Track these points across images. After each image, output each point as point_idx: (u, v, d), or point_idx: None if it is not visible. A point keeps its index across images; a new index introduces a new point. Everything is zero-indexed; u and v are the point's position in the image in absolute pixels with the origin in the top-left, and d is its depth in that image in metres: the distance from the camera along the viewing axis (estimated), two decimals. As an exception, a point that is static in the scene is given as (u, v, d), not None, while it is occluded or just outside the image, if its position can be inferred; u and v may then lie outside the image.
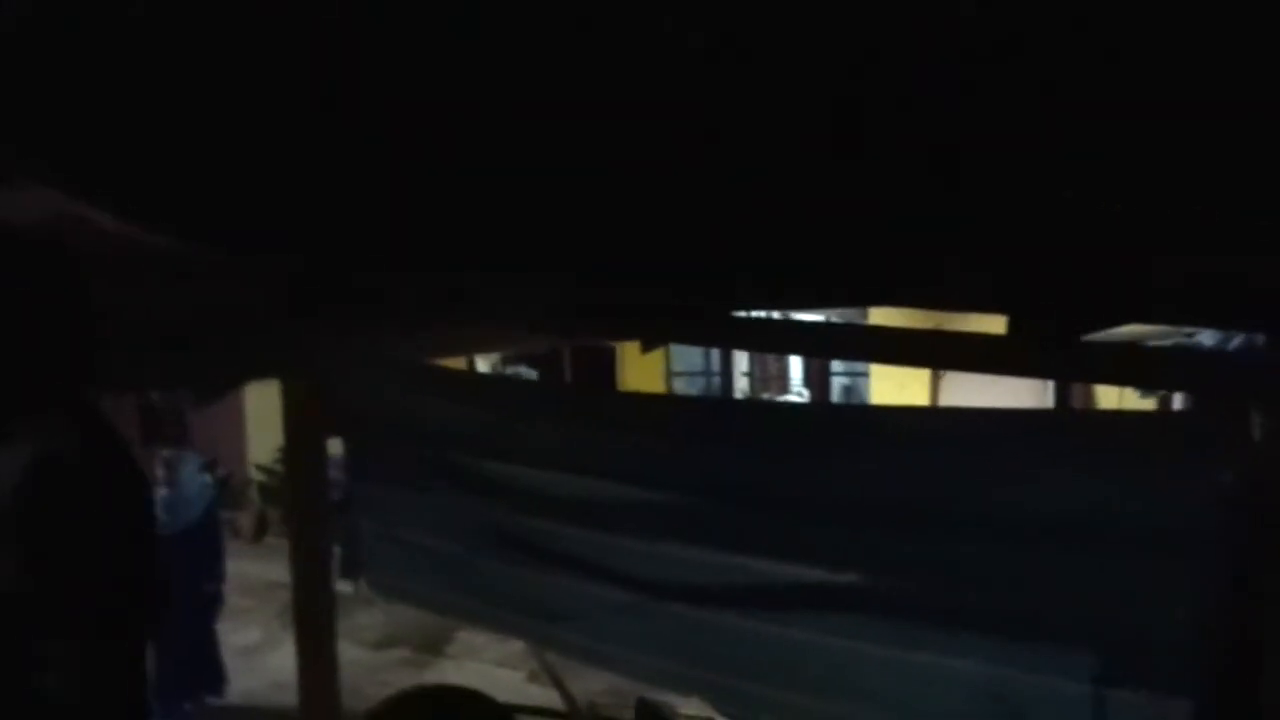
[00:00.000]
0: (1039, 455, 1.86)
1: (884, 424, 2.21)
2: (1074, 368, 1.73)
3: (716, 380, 10.26)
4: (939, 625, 1.97)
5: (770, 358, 11.34)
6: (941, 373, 7.41)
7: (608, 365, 9.30)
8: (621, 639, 2.41)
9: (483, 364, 7.45)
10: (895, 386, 7.08)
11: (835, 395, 10.48)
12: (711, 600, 2.22)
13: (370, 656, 5.30)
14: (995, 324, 1.68)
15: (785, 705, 2.16)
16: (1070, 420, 2.55)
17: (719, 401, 4.96)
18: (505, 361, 8.51)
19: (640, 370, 8.82)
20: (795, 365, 11.65)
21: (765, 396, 11.04)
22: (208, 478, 5.23)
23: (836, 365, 10.44)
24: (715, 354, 10.31)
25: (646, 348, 2.85)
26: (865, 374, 8.94)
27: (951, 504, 1.92)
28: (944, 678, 1.97)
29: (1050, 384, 6.61)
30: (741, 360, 10.95)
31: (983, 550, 1.90)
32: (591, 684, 3.68)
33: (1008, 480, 1.87)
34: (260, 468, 8.72)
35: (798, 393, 11.32)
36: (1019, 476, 1.86)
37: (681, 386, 10.17)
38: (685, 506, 2.25)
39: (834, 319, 6.44)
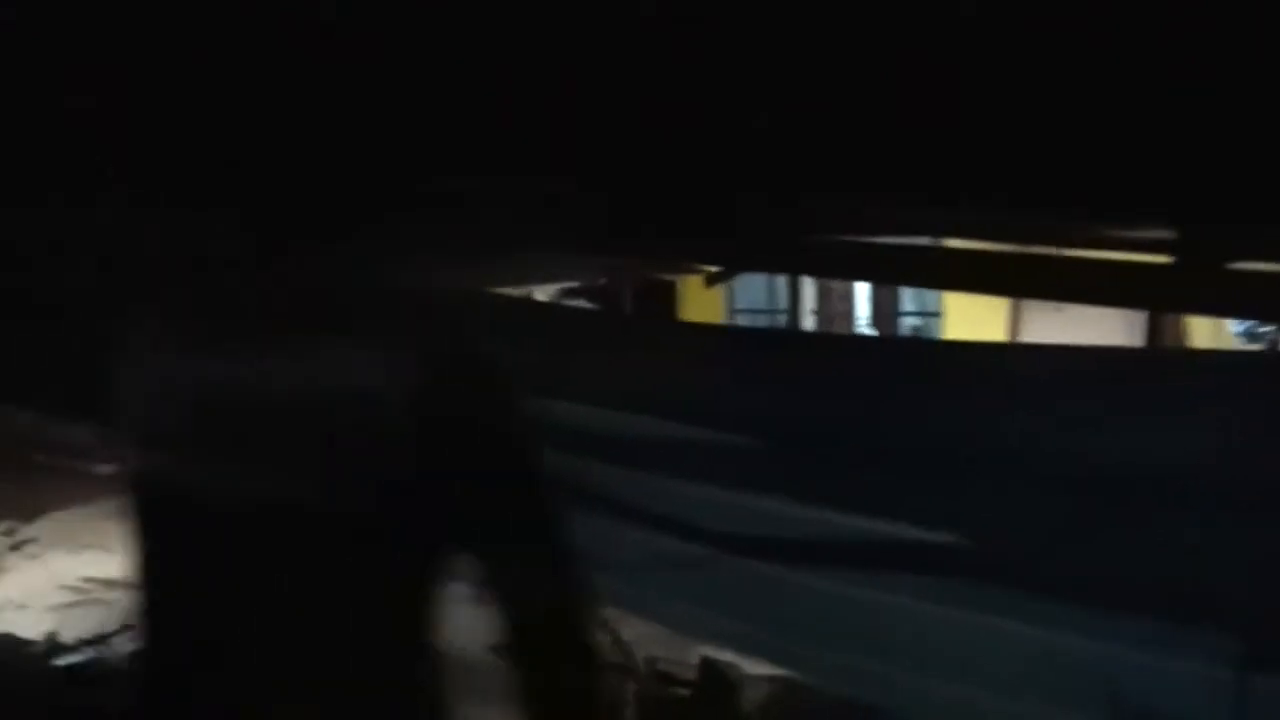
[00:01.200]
0: (1153, 401, 1.63)
1: (978, 361, 1.98)
2: (1241, 299, 1.46)
3: (781, 319, 9.96)
4: (1042, 592, 1.74)
5: (836, 295, 10.96)
6: (1020, 312, 7.02)
7: (668, 300, 9.07)
8: (682, 594, 2.21)
9: (540, 298, 7.29)
10: (970, 328, 6.72)
11: (903, 336, 10.12)
12: (784, 556, 2.01)
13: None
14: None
15: (865, 674, 1.95)
16: (1202, 361, 2.27)
17: (788, 334, 4.73)
18: (563, 295, 8.33)
19: (701, 306, 8.61)
20: (861, 303, 11.27)
21: (830, 336, 10.70)
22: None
23: (906, 303, 10.05)
24: (780, 290, 10.00)
25: (712, 280, 2.62)
26: (937, 314, 8.56)
27: (1053, 454, 1.70)
28: (1047, 652, 1.74)
29: (1140, 325, 6.20)
30: (808, 298, 10.60)
31: (1090, 509, 1.68)
32: (643, 630, 3.53)
33: (1117, 429, 1.64)
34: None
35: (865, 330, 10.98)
36: (1131, 425, 1.63)
37: (744, 324, 9.91)
38: (756, 450, 2.03)
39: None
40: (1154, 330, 6.26)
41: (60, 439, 7.92)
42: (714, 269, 5.66)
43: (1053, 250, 2.10)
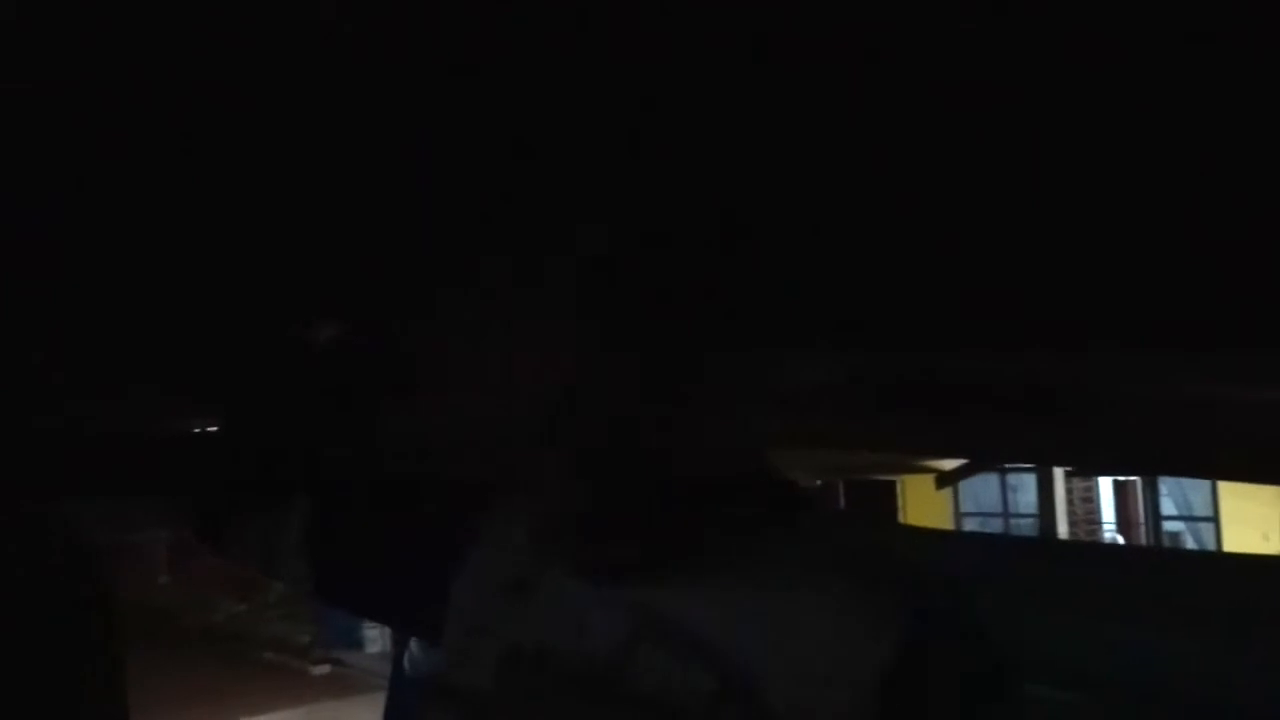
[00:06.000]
0: None
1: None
2: None
3: (1019, 523, 9.03)
4: None
5: (1077, 496, 9.94)
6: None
7: (888, 502, 8.50)
8: None
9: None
10: (1258, 537, 5.74)
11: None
12: None
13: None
14: None
15: None
16: None
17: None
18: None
19: (924, 509, 7.95)
20: (1106, 503, 10.13)
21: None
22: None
23: (1168, 505, 8.90)
24: (1017, 494, 9.14)
25: (944, 481, 2.26)
26: (1210, 519, 7.45)
27: None
28: None
29: None
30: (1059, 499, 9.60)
31: None
32: None
33: None
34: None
35: (1110, 539, 9.79)
36: None
37: (974, 529, 9.05)
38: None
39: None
40: None
41: (283, 638, 8.18)
42: (948, 468, 5.15)
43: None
